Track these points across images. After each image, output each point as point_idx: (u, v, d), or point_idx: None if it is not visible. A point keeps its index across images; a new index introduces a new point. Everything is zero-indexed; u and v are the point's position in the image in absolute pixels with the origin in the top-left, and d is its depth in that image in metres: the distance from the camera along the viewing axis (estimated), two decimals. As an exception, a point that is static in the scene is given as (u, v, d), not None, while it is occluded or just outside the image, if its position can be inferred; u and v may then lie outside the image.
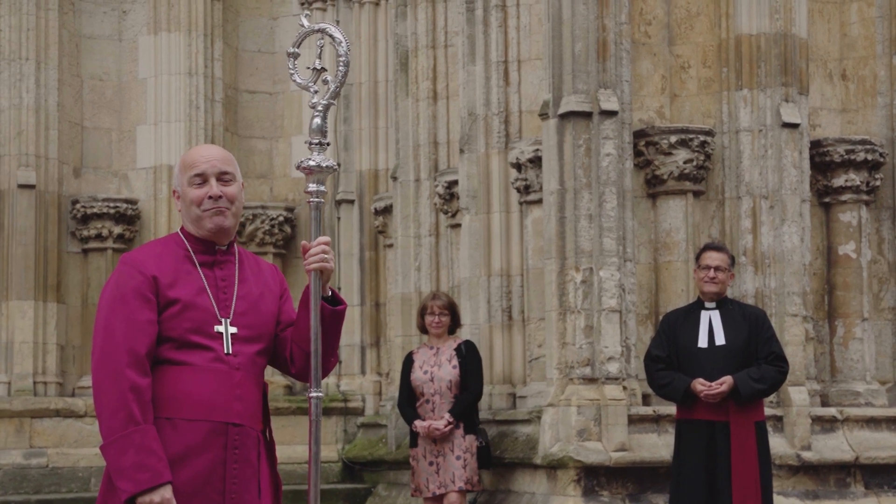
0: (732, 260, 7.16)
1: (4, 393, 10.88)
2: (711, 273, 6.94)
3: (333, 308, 3.69)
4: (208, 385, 3.54)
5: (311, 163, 3.69)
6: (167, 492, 3.43)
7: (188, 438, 3.52)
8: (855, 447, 8.68)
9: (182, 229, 3.71)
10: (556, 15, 8.53)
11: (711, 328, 6.95)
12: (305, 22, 3.81)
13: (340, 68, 3.72)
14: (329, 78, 3.74)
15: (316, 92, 3.74)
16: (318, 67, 3.75)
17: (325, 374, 3.73)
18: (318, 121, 3.70)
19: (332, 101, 3.73)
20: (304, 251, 3.67)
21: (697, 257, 7.17)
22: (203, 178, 3.64)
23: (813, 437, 8.56)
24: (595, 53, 8.44)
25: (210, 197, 3.62)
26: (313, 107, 3.72)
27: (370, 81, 11.56)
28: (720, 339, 6.93)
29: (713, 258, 6.97)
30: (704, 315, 6.99)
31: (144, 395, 3.47)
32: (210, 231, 3.66)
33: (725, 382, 6.78)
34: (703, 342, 6.94)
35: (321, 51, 3.79)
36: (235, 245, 3.77)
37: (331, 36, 3.75)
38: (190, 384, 3.54)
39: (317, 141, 3.70)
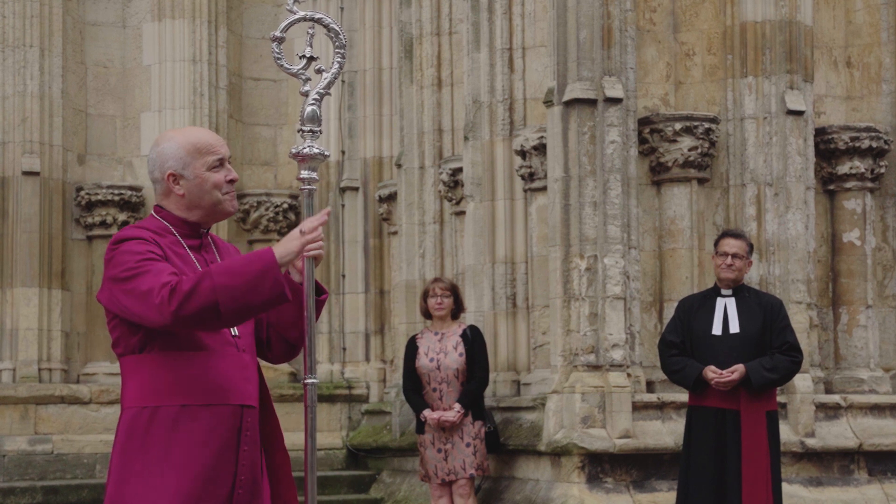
0: (751, 248, 7.13)
1: (9, 379, 10.90)
2: (729, 260, 6.92)
3: (317, 298, 3.65)
4: (222, 368, 3.50)
5: (305, 151, 3.68)
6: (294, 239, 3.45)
7: (206, 424, 3.48)
8: (859, 434, 8.70)
9: (161, 213, 3.62)
10: (560, 2, 8.52)
11: (726, 315, 6.93)
12: (295, 8, 3.77)
13: (338, 60, 3.72)
14: (323, 68, 3.73)
15: (308, 80, 3.72)
16: (308, 56, 3.74)
17: (295, 356, 3.73)
18: (310, 109, 3.69)
19: (327, 91, 3.72)
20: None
21: (716, 243, 7.13)
22: (221, 163, 3.62)
23: (817, 423, 8.57)
24: (600, 41, 8.44)
25: (230, 181, 3.62)
26: (305, 95, 3.71)
27: (374, 68, 11.55)
28: (735, 327, 6.91)
29: (731, 245, 6.95)
30: (720, 302, 6.96)
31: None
32: (224, 214, 3.65)
33: (737, 371, 6.77)
34: (717, 329, 6.92)
35: (311, 39, 3.75)
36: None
37: (326, 27, 3.73)
38: (204, 368, 3.49)
39: (308, 129, 3.69)
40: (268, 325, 3.70)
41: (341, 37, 3.73)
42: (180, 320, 3.36)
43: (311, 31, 3.77)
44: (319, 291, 3.69)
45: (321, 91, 3.72)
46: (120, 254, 3.47)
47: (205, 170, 3.59)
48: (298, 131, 3.73)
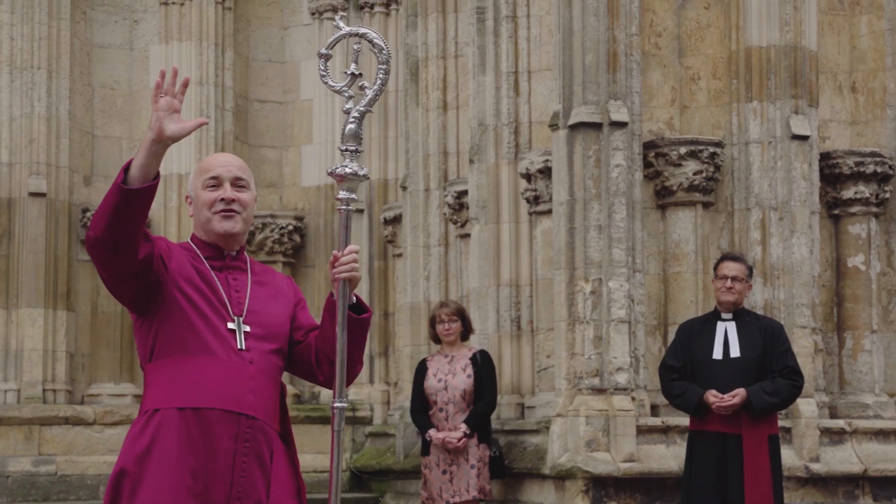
0: (751, 271, 7.12)
1: (14, 400, 10.91)
2: (728, 283, 6.92)
3: (358, 316, 3.66)
4: (220, 374, 3.54)
5: (346, 170, 3.63)
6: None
7: (199, 425, 3.51)
8: (863, 459, 8.68)
9: (193, 237, 3.74)
10: (566, 26, 8.55)
11: (727, 340, 6.92)
12: (342, 24, 3.73)
13: (381, 76, 3.65)
14: (366, 84, 3.67)
15: (351, 97, 3.66)
16: (354, 72, 3.68)
17: (350, 381, 3.71)
18: (352, 127, 3.63)
19: (369, 108, 3.67)
20: (333, 260, 3.64)
21: (715, 267, 7.13)
22: (217, 182, 3.67)
23: (821, 448, 8.55)
24: (605, 65, 8.46)
25: (222, 199, 3.64)
26: (347, 112, 3.66)
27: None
28: (735, 352, 6.90)
29: (731, 268, 6.94)
30: (720, 326, 6.96)
31: None
32: (219, 235, 3.68)
33: (738, 395, 6.76)
34: (718, 354, 6.91)
35: (357, 55, 3.70)
36: (246, 254, 3.78)
37: (370, 42, 3.67)
38: (201, 373, 3.54)
39: (352, 148, 3.62)
40: (316, 348, 3.72)
41: (385, 52, 3.66)
42: (90, 250, 3.54)
43: (356, 48, 3.72)
44: (362, 310, 3.68)
45: (362, 108, 3.66)
46: None
47: (201, 189, 3.68)
48: (339, 149, 3.68)
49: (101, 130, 11.57)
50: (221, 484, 3.51)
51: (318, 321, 3.77)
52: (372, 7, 11.68)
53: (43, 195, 11.03)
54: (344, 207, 3.64)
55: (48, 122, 11.10)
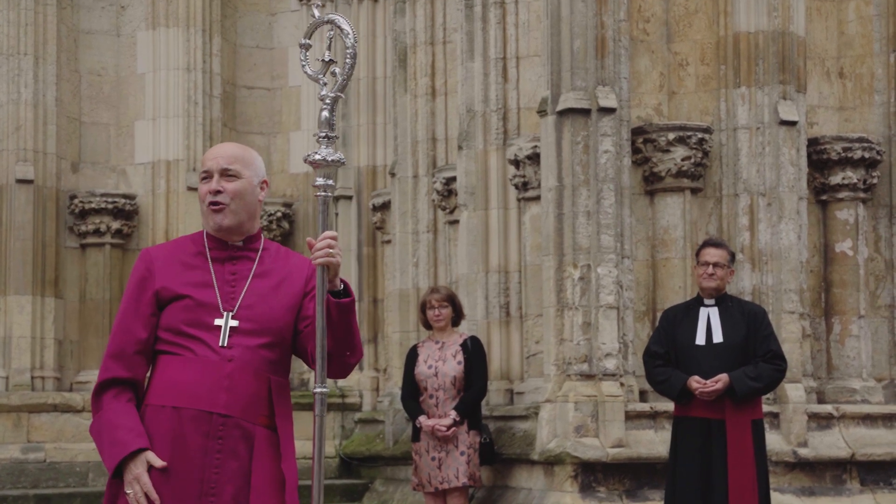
0: (732, 256, 7.12)
1: (2, 388, 10.89)
2: (710, 269, 6.93)
3: (337, 301, 3.63)
4: (194, 374, 3.60)
5: (319, 156, 3.66)
6: (140, 462, 3.55)
7: (170, 424, 3.59)
8: (851, 444, 8.71)
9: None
10: (554, 12, 8.55)
11: (710, 325, 6.94)
12: (317, 12, 3.79)
13: (347, 60, 3.69)
14: (337, 70, 3.72)
15: (325, 84, 3.71)
16: (328, 59, 3.73)
17: (349, 370, 3.72)
18: (326, 114, 3.68)
19: (339, 93, 3.71)
20: (309, 247, 3.65)
21: (697, 253, 7.16)
22: (208, 174, 3.72)
23: (809, 433, 8.58)
24: (593, 50, 8.46)
25: (210, 192, 3.68)
26: (322, 99, 3.70)
27: (368, 77, 11.58)
28: (718, 337, 6.92)
29: (712, 254, 6.95)
30: (703, 312, 6.98)
31: (122, 384, 3.65)
32: (213, 229, 3.73)
33: (721, 380, 6.77)
34: (700, 339, 6.93)
35: (331, 42, 3.76)
36: (261, 240, 3.79)
37: (339, 27, 3.72)
38: (177, 373, 3.62)
39: (325, 134, 3.67)
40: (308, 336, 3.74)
41: (351, 37, 3.69)
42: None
43: (329, 35, 3.78)
44: (346, 294, 3.67)
45: (332, 94, 3.70)
46: (128, 283, 3.79)
47: (200, 183, 3.76)
48: (314, 136, 3.72)
49: (88, 117, 11.53)
50: (191, 480, 3.57)
51: None
52: (360, -7, 11.66)
53: (30, 182, 11.00)
54: (321, 194, 3.67)
55: (35, 109, 11.07)
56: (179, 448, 3.58)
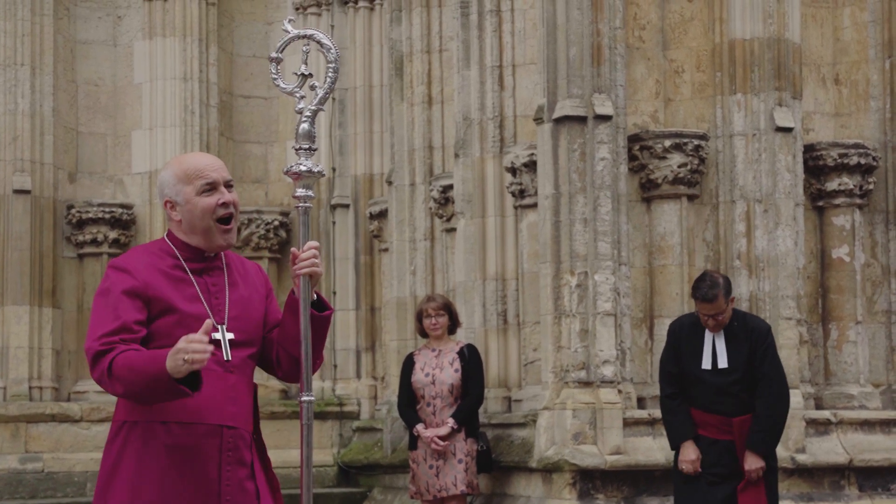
0: (728, 290, 6.85)
1: (0, 398, 10.88)
2: (711, 321, 6.84)
3: (320, 314, 3.68)
4: (203, 387, 3.52)
5: (304, 168, 3.70)
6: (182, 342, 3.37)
7: (182, 441, 3.53)
8: (849, 450, 8.72)
9: (169, 235, 3.69)
10: (550, 20, 8.57)
11: (715, 350, 6.87)
12: (289, 27, 3.80)
13: (330, 74, 3.72)
14: (316, 83, 3.74)
15: (303, 97, 3.74)
16: (304, 73, 3.76)
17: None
18: (305, 126, 3.71)
19: (320, 107, 3.74)
20: (293, 257, 3.65)
21: (692, 296, 6.95)
22: (213, 186, 3.63)
23: (807, 439, 8.59)
24: (589, 58, 8.47)
25: (223, 203, 3.61)
26: (300, 112, 3.73)
27: (365, 86, 11.59)
28: (723, 362, 6.82)
29: (708, 309, 6.77)
30: (708, 336, 6.90)
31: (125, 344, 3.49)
32: (219, 247, 3.67)
33: (754, 467, 6.75)
34: (706, 364, 6.86)
35: (307, 56, 3.79)
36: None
37: (318, 42, 3.75)
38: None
39: (305, 146, 3.70)
40: (277, 345, 3.73)
41: (333, 52, 3.74)
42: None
43: (305, 49, 3.80)
44: (323, 307, 3.70)
45: (314, 108, 3.73)
46: (101, 292, 3.56)
47: (195, 195, 3.63)
48: (294, 148, 3.75)
49: (85, 127, 11.54)
50: (210, 495, 3.55)
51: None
52: (356, 2, 11.67)
53: (27, 192, 11.00)
54: (302, 205, 3.71)
55: (32, 119, 11.08)
56: (198, 466, 3.53)
